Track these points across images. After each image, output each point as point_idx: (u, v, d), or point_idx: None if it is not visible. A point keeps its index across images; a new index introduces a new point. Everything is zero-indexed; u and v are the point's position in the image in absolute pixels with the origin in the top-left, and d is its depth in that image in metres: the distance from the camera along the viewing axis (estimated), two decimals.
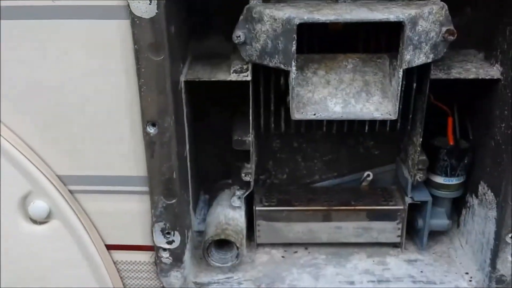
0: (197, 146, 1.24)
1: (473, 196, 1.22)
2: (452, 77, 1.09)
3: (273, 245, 1.28)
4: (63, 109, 1.01)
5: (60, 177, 1.06)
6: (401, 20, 0.94)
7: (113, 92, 0.99)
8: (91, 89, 0.99)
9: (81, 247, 1.08)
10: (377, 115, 1.04)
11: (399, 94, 1.01)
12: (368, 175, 1.29)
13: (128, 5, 0.90)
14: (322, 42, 1.09)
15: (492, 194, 1.14)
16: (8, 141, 1.01)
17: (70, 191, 1.07)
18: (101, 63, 0.96)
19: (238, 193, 1.20)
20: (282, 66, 1.00)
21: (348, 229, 1.25)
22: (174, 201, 1.05)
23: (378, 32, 1.07)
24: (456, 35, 1.02)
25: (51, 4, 0.91)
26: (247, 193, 1.19)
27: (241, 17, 1.02)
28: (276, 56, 1.00)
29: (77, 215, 1.06)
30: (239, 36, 1.03)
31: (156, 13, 0.91)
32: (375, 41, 1.08)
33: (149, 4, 0.90)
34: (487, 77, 1.09)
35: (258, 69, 1.09)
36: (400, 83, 1.00)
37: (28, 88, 0.99)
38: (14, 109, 1.01)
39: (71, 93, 0.99)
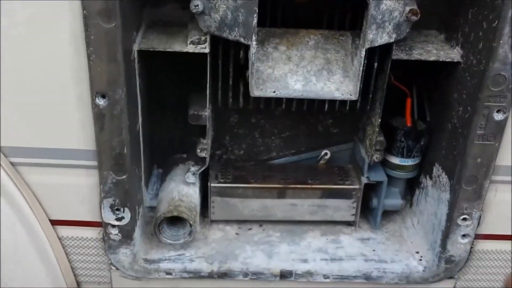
0: (150, 119, 1.19)
1: (427, 177, 1.23)
2: (413, 58, 1.07)
3: (227, 221, 1.26)
4: (4, 76, 0.93)
5: (0, 148, 0.99)
6: None
7: (59, 60, 0.92)
8: (35, 56, 0.92)
9: (23, 222, 1.03)
10: (338, 95, 1.01)
11: (360, 74, 0.99)
12: (326, 154, 1.28)
13: None
14: (285, 16, 1.05)
15: (446, 176, 1.14)
16: None
17: (12, 164, 1.01)
18: (47, 29, 0.89)
19: (193, 169, 1.16)
20: (242, 40, 0.96)
21: (303, 206, 1.24)
22: (124, 177, 1.01)
23: (342, 8, 1.04)
24: (419, 15, 1.00)
25: None
26: (202, 169, 1.16)
27: None
28: (236, 29, 0.96)
29: (19, 188, 1.00)
30: (197, 6, 0.97)
31: None
32: (339, 17, 1.05)
33: None
34: (447, 60, 1.08)
35: (217, 41, 1.04)
36: (362, 63, 0.98)
37: None
38: None
39: (13, 59, 0.92)
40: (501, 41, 0.93)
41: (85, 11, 0.87)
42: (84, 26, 0.88)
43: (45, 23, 0.89)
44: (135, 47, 1.00)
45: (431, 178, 1.21)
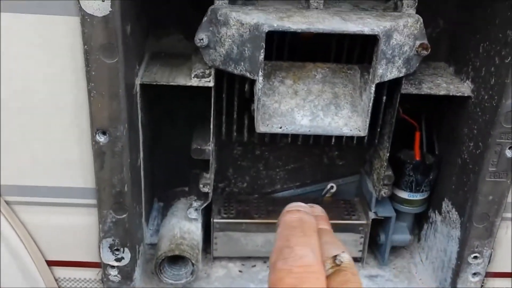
0: (151, 152, 1.15)
1: (436, 212, 1.19)
2: (423, 93, 1.04)
3: (230, 258, 1.22)
4: (2, 110, 0.90)
5: None
6: (376, 33, 0.89)
7: (59, 95, 0.89)
8: (34, 91, 0.89)
9: (18, 263, 0.98)
10: (346, 131, 0.98)
11: (369, 110, 0.95)
12: (332, 187, 1.24)
13: (78, 1, 0.80)
14: (291, 49, 1.03)
15: (456, 213, 1.11)
16: None
17: (7, 202, 0.96)
18: (47, 63, 0.86)
19: (195, 204, 1.12)
20: (248, 75, 0.93)
21: None
22: (124, 215, 0.97)
23: (350, 42, 1.01)
24: (430, 50, 0.98)
25: None
26: (205, 204, 1.12)
27: (205, 18, 0.94)
28: (242, 63, 0.93)
29: (14, 228, 0.96)
30: (202, 39, 0.94)
31: (110, 11, 0.81)
32: (347, 51, 1.02)
33: (102, 1, 0.80)
34: (457, 94, 1.05)
35: (222, 74, 1.01)
36: (372, 98, 0.94)
37: None
38: None
39: (11, 94, 0.89)
40: None
41: (86, 46, 0.84)
42: (85, 61, 0.85)
43: (45, 58, 0.86)
44: (138, 81, 0.97)
45: (440, 213, 1.18)
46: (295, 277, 0.41)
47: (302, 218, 0.46)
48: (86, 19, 0.81)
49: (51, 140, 0.92)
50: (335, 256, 0.44)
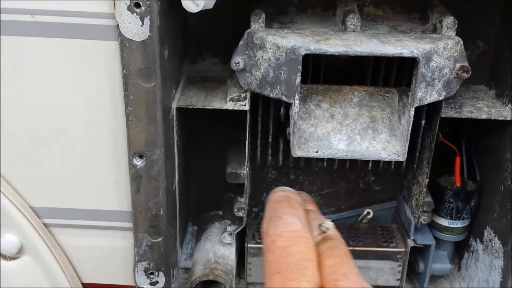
0: (186, 175, 1.15)
1: (478, 240, 1.15)
2: (463, 116, 1.02)
3: (264, 284, 1.19)
4: (40, 134, 0.91)
5: (33, 209, 0.96)
6: (416, 55, 0.87)
7: (97, 119, 0.90)
8: (72, 114, 0.90)
9: (55, 286, 0.98)
10: (384, 156, 0.96)
11: (409, 134, 0.93)
12: (368, 213, 1.21)
13: (118, 26, 0.81)
14: (327, 72, 1.02)
15: (500, 242, 1.07)
16: None
17: (45, 225, 0.97)
18: (85, 87, 0.88)
19: (229, 228, 1.11)
20: (284, 98, 0.92)
21: None
22: (160, 239, 0.96)
23: (387, 64, 1.00)
24: (470, 72, 0.95)
25: (31, 20, 0.82)
26: (239, 229, 1.11)
27: (241, 42, 0.94)
28: (278, 87, 0.92)
29: (51, 251, 0.96)
30: (238, 63, 0.94)
31: (148, 35, 0.82)
32: (384, 73, 1.01)
33: (141, 26, 0.81)
34: (499, 118, 1.02)
35: (257, 97, 1.01)
36: (411, 122, 0.92)
37: (1, 110, 0.89)
38: None
39: (49, 118, 0.90)
40: None
41: (124, 71, 0.85)
42: (124, 85, 0.85)
43: (84, 82, 0.87)
44: (174, 105, 0.97)
45: (482, 242, 1.13)
46: (285, 240, 0.45)
47: (288, 194, 0.52)
48: (125, 43, 0.83)
49: (88, 163, 0.93)
50: (320, 224, 0.48)
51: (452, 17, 0.94)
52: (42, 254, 0.96)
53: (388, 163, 1.11)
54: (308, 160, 1.12)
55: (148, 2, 0.79)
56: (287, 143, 1.01)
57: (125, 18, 0.81)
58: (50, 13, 0.81)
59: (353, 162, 1.11)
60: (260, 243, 1.15)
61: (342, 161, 1.11)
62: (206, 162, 1.19)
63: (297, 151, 0.95)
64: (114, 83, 0.87)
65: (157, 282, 1.00)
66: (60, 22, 0.82)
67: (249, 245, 1.14)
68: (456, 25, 0.94)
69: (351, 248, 1.15)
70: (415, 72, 0.89)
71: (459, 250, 1.23)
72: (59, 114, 0.90)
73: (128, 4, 0.80)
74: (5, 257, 0.97)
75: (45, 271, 0.97)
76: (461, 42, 0.94)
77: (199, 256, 1.10)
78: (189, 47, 1.09)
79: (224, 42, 1.07)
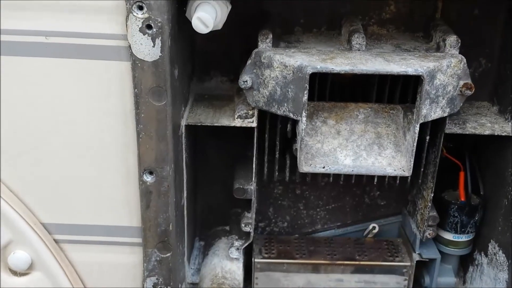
0: (194, 191, 1.16)
1: (482, 254, 1.16)
2: (467, 132, 1.04)
3: None
4: (52, 152, 0.93)
5: (44, 225, 0.98)
6: (420, 74, 0.89)
7: (108, 137, 0.92)
8: (83, 133, 0.92)
9: None
10: (390, 171, 0.97)
11: (414, 150, 0.95)
12: (374, 228, 1.23)
13: (130, 47, 0.83)
14: (333, 89, 1.04)
15: (504, 255, 1.08)
16: None
17: (55, 241, 0.99)
18: (97, 106, 0.89)
19: (236, 243, 1.13)
20: (291, 115, 0.94)
21: (350, 283, 1.18)
22: (169, 254, 0.97)
23: (392, 82, 1.02)
24: (473, 89, 0.97)
25: (45, 42, 0.84)
26: (246, 244, 1.12)
27: (249, 61, 0.96)
28: (285, 104, 0.94)
29: (61, 267, 0.98)
30: (246, 81, 0.96)
31: (159, 56, 0.84)
32: (389, 90, 1.03)
33: (153, 46, 0.83)
34: (502, 134, 1.04)
35: (264, 114, 1.03)
36: (416, 138, 0.94)
37: (15, 129, 0.91)
38: None
39: (61, 136, 0.92)
40: None
41: (136, 90, 0.87)
42: (135, 104, 0.87)
43: (96, 100, 0.89)
44: (183, 122, 0.99)
45: (486, 255, 1.14)
46: None
47: None
48: (137, 64, 0.85)
49: (99, 180, 0.95)
50: None
51: (455, 36, 0.97)
52: (52, 270, 0.97)
53: (394, 178, 1.13)
54: (314, 175, 1.13)
55: (159, 24, 0.81)
56: (293, 159, 1.03)
57: (137, 39, 0.83)
58: (63, 34, 0.84)
59: (359, 177, 1.13)
60: (266, 258, 1.16)
61: (347, 177, 1.13)
62: (214, 178, 1.20)
63: (304, 167, 0.97)
64: (126, 102, 0.88)
65: None
66: (74, 43, 0.84)
67: (256, 260, 1.16)
68: (459, 44, 0.97)
69: (357, 262, 1.16)
70: (420, 89, 0.91)
71: (464, 264, 1.23)
72: (71, 132, 0.91)
73: (140, 26, 0.82)
74: (16, 273, 0.98)
75: (55, 286, 0.98)
76: (464, 60, 0.96)
77: (206, 271, 1.11)
78: (197, 66, 1.11)
79: (231, 61, 1.09)
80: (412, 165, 0.96)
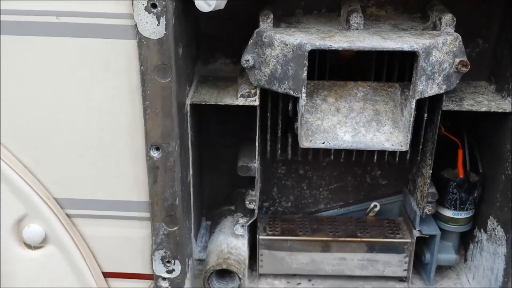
0: (200, 170, 1.20)
1: (482, 231, 1.19)
2: (464, 109, 1.06)
3: (275, 275, 1.24)
4: (63, 129, 0.97)
5: (57, 200, 1.02)
6: (416, 49, 0.92)
7: (116, 114, 0.96)
8: (93, 110, 0.96)
9: (77, 275, 1.04)
10: (388, 146, 1.01)
11: (411, 125, 0.98)
12: (375, 206, 1.26)
13: (136, 25, 0.88)
14: (333, 68, 1.07)
15: (502, 230, 1.10)
16: (3, 160, 0.97)
17: (68, 215, 1.03)
18: (105, 84, 0.94)
19: (241, 221, 1.16)
20: (291, 92, 0.98)
21: (353, 261, 1.21)
22: (176, 228, 1.01)
23: (390, 60, 1.05)
24: (469, 67, 1.00)
25: (56, 21, 0.89)
26: (251, 221, 1.16)
27: (251, 41, 1.00)
28: (286, 82, 0.98)
29: (74, 240, 1.02)
30: (248, 60, 1.00)
31: (164, 34, 0.88)
32: (387, 69, 1.06)
33: (157, 25, 0.87)
34: (499, 110, 1.06)
35: (266, 94, 1.06)
36: (413, 113, 0.97)
37: (27, 107, 0.96)
38: (11, 128, 0.97)
39: (72, 113, 0.96)
40: None
41: (142, 67, 0.91)
42: (141, 81, 0.91)
43: (104, 78, 0.93)
44: (188, 101, 1.03)
45: (485, 231, 1.17)
46: None
47: None
48: (142, 42, 0.89)
49: (108, 156, 0.99)
50: None
51: (451, 15, 1.00)
52: (65, 243, 1.02)
53: (393, 156, 1.16)
54: (316, 154, 1.16)
55: (163, 3, 0.85)
56: (295, 138, 1.06)
57: (143, 18, 0.87)
58: (73, 14, 0.88)
59: (359, 155, 1.16)
60: (270, 235, 1.20)
61: (348, 155, 1.16)
62: (218, 158, 1.24)
63: (305, 142, 1.01)
64: (132, 79, 0.92)
65: (173, 270, 1.05)
66: (83, 23, 0.88)
67: (260, 237, 1.19)
68: (455, 22, 1.00)
69: (359, 239, 1.19)
70: (416, 65, 0.94)
71: (465, 242, 1.26)
72: (81, 109, 0.96)
73: (145, 4, 0.86)
74: (30, 247, 1.03)
75: (67, 260, 1.02)
76: (460, 38, 0.99)
77: (213, 248, 1.14)
78: (201, 49, 1.15)
79: (234, 44, 1.13)
80: (409, 140, 1.00)
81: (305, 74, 0.94)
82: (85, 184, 1.01)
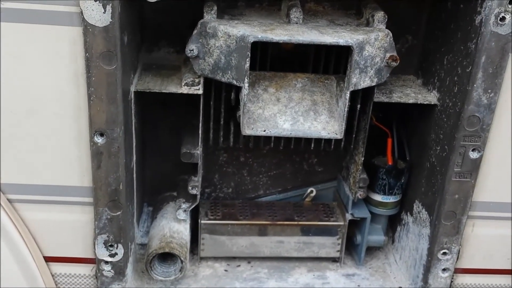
0: (142, 157, 1.22)
1: (408, 214, 1.28)
2: (393, 101, 1.14)
3: (216, 258, 1.29)
4: (6, 114, 0.97)
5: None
6: (350, 44, 0.99)
7: (60, 99, 0.96)
8: (36, 95, 0.96)
9: (17, 259, 1.03)
10: (324, 134, 1.07)
11: (345, 115, 1.05)
12: (312, 191, 1.33)
13: (81, 13, 0.89)
14: (274, 60, 1.12)
15: (426, 212, 1.20)
16: None
17: (9, 200, 1.02)
18: (50, 69, 0.94)
19: (183, 206, 1.19)
20: (234, 82, 1.02)
21: (290, 243, 1.27)
22: (119, 213, 1.03)
23: (327, 54, 1.11)
24: (399, 61, 1.08)
25: (1, 6, 0.88)
26: (193, 206, 1.19)
27: (195, 31, 1.03)
28: (229, 72, 1.02)
29: (15, 225, 1.01)
30: (192, 50, 1.03)
31: (110, 22, 0.90)
32: (324, 62, 1.12)
33: (104, 12, 0.89)
34: (425, 102, 1.15)
35: (209, 83, 1.10)
36: (347, 104, 1.04)
37: None
38: None
39: (15, 98, 0.96)
40: (474, 85, 1.01)
41: (87, 54, 0.92)
42: (86, 67, 0.93)
43: (49, 64, 0.93)
44: (132, 88, 1.05)
45: (411, 214, 1.27)
46: None
47: None
48: (88, 29, 0.90)
49: (51, 141, 0.99)
50: None
51: (382, 12, 1.07)
52: (6, 227, 1.01)
53: (328, 143, 1.22)
54: (257, 142, 1.21)
55: None
56: (237, 126, 1.10)
57: (89, 5, 0.88)
58: None
59: (297, 143, 1.22)
60: (212, 220, 1.24)
61: (287, 143, 1.22)
62: (161, 146, 1.27)
63: (247, 130, 1.05)
64: (77, 66, 0.93)
65: (116, 254, 1.07)
66: (28, 9, 0.88)
67: (202, 222, 1.23)
68: (386, 19, 1.07)
69: (295, 223, 1.26)
70: (350, 59, 1.00)
71: (393, 224, 1.36)
72: (25, 94, 0.95)
73: None
74: None
75: (9, 245, 1.02)
76: (390, 34, 1.06)
77: (155, 232, 1.17)
78: (146, 37, 1.16)
79: (178, 33, 1.15)
80: (343, 129, 1.06)
81: (247, 64, 0.98)
82: (28, 169, 1.01)
